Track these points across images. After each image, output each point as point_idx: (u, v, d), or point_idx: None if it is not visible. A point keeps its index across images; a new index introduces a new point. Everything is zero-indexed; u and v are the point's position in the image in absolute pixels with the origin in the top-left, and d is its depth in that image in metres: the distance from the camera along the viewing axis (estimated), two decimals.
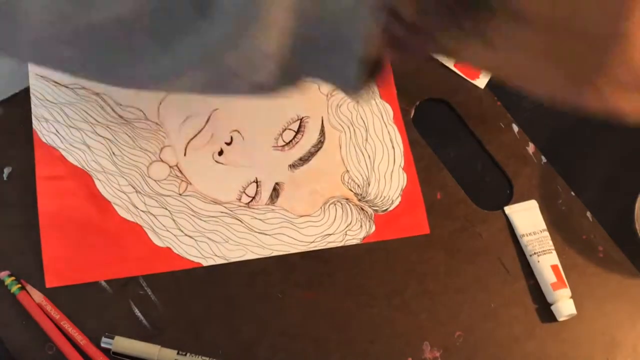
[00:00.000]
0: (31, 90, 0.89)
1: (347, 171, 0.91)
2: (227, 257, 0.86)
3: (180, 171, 0.89)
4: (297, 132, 0.92)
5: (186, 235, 0.86)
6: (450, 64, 0.98)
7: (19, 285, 0.81)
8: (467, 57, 0.59)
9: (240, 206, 0.88)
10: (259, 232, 0.88)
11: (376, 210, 0.90)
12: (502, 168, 0.94)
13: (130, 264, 0.85)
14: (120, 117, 0.90)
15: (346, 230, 0.89)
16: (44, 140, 0.88)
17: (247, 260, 0.86)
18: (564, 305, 0.87)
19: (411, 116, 0.95)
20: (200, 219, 0.87)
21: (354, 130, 0.93)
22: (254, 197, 0.89)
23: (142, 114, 0.90)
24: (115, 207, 0.87)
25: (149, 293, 0.84)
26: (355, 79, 0.60)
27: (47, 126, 0.88)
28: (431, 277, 0.88)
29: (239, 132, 0.91)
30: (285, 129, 0.92)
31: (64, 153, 0.88)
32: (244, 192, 0.89)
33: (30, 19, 0.62)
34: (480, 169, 0.95)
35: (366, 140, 0.93)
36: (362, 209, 0.90)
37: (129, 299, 0.83)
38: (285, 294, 0.86)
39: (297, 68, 0.62)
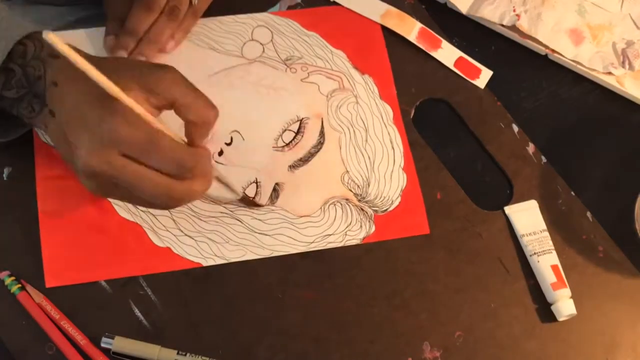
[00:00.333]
0: None
1: (347, 172, 0.91)
2: (227, 258, 0.86)
3: None
4: (297, 133, 0.92)
5: (186, 235, 0.86)
6: (450, 64, 0.98)
7: (19, 285, 0.81)
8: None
9: (241, 206, 0.88)
10: (258, 233, 0.88)
11: (376, 211, 0.90)
12: (502, 168, 0.94)
13: (130, 263, 0.85)
14: None
15: (346, 230, 0.89)
16: (44, 140, 0.88)
17: (247, 261, 0.86)
18: (564, 305, 0.87)
19: (411, 116, 0.95)
20: (200, 219, 0.87)
21: (354, 131, 0.93)
22: (254, 198, 0.89)
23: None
24: (115, 207, 0.87)
25: (149, 293, 0.84)
26: None
27: None
28: (431, 277, 0.88)
29: (239, 132, 0.91)
30: (285, 130, 0.92)
31: None
32: (244, 192, 0.89)
33: None
34: (480, 169, 0.95)
35: (366, 140, 0.93)
36: (362, 210, 0.90)
37: (129, 299, 0.83)
38: (285, 294, 0.86)
39: None
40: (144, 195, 0.74)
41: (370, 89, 0.96)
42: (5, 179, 0.86)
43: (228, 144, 0.91)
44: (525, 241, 0.90)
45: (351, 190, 0.91)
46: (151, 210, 0.87)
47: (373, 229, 0.89)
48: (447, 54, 0.98)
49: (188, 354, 0.81)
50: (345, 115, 0.94)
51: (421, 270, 0.88)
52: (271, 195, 0.89)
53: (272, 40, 0.96)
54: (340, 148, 0.92)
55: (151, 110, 0.74)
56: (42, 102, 0.75)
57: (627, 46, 1.00)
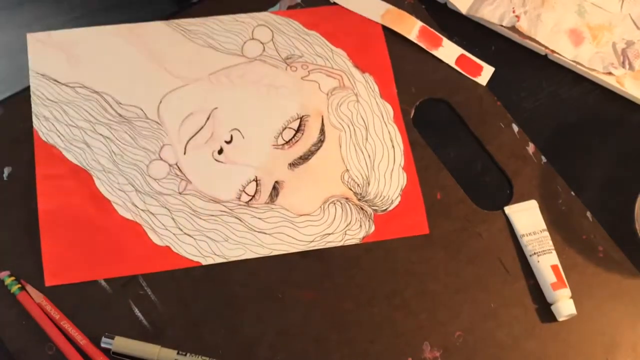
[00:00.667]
0: (32, 89, 0.89)
1: (347, 170, 0.91)
2: (226, 256, 0.86)
3: (180, 170, 0.89)
4: (297, 131, 0.92)
5: (185, 234, 0.86)
6: (451, 61, 0.98)
7: (19, 285, 0.81)
8: None
9: (240, 205, 0.88)
10: (258, 231, 0.88)
11: (376, 210, 0.90)
12: (502, 168, 0.94)
13: (130, 262, 0.85)
14: (120, 115, 0.90)
15: (346, 229, 0.89)
16: (44, 139, 0.88)
17: (247, 260, 0.86)
18: (564, 305, 0.87)
19: (411, 116, 0.95)
20: (200, 218, 0.87)
21: (354, 129, 0.93)
22: (253, 196, 0.89)
23: (142, 113, 0.90)
24: (115, 205, 0.87)
25: (149, 293, 0.84)
26: None
27: (47, 125, 0.88)
28: (431, 277, 0.88)
29: (238, 130, 0.91)
30: (285, 128, 0.92)
31: (64, 152, 0.88)
32: (244, 190, 0.89)
33: None
34: (480, 169, 0.95)
35: (366, 139, 0.93)
36: (362, 209, 0.90)
37: (129, 299, 0.83)
38: (285, 293, 0.86)
39: None
40: None
41: (370, 87, 0.96)
42: (5, 179, 0.86)
43: (228, 142, 0.91)
44: (525, 241, 0.90)
45: (351, 189, 0.91)
46: (151, 209, 0.87)
47: (373, 228, 0.89)
48: (448, 51, 0.98)
49: (188, 354, 0.81)
50: (346, 114, 0.94)
51: (421, 270, 0.88)
52: (271, 193, 0.89)
53: (272, 39, 0.96)
54: (341, 146, 0.92)
55: None
56: None
57: (627, 46, 1.00)
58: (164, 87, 0.92)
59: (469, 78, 0.98)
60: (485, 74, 0.98)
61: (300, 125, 0.92)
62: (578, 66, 0.99)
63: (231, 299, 0.85)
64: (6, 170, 0.86)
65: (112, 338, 0.80)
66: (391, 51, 0.98)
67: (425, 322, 0.86)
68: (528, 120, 0.97)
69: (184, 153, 0.89)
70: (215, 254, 0.86)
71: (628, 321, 0.89)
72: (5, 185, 0.86)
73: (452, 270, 0.89)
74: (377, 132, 0.94)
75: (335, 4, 0.99)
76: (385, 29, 0.99)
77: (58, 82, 0.90)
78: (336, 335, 0.85)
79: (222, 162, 0.90)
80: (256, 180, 0.89)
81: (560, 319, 0.88)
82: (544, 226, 0.91)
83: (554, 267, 0.89)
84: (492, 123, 0.96)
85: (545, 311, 0.88)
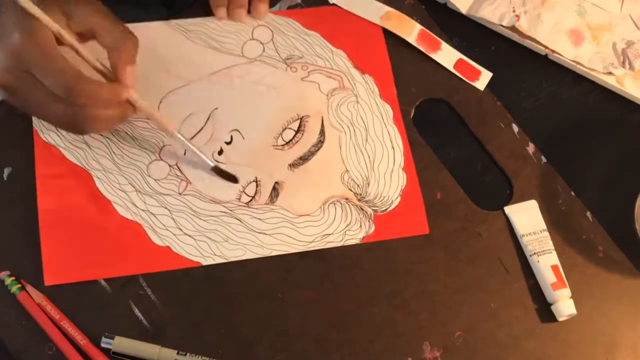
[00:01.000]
0: None
1: (347, 171, 0.91)
2: (226, 257, 0.86)
3: (180, 170, 0.89)
4: (297, 131, 0.92)
5: (186, 234, 0.86)
6: (449, 65, 0.98)
7: (19, 285, 0.81)
8: None
9: (240, 205, 0.88)
10: (258, 232, 0.87)
11: (376, 210, 0.90)
12: (502, 168, 0.94)
13: (130, 262, 0.85)
14: None
15: (346, 230, 0.89)
16: (44, 138, 0.88)
17: (247, 260, 0.86)
18: (564, 305, 0.87)
19: (411, 116, 0.95)
20: (200, 218, 0.87)
21: (354, 130, 0.93)
22: (253, 197, 0.89)
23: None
24: (115, 205, 0.87)
25: (149, 293, 0.84)
26: None
27: (47, 125, 0.88)
28: (431, 277, 0.88)
29: (238, 131, 0.91)
30: (285, 128, 0.92)
31: (64, 151, 0.88)
32: (244, 191, 0.89)
33: None
34: (480, 169, 0.95)
35: (366, 140, 0.93)
36: (362, 209, 0.90)
37: (129, 299, 0.83)
38: (285, 294, 0.86)
39: None
40: (41, 116, 0.83)
41: (370, 88, 0.96)
42: (5, 179, 0.86)
43: (228, 143, 0.91)
44: (525, 241, 0.90)
45: (351, 190, 0.91)
46: (151, 209, 0.87)
47: (373, 228, 0.89)
48: (447, 55, 0.98)
49: (188, 354, 0.81)
50: (346, 114, 0.94)
51: (421, 270, 0.88)
52: (271, 194, 0.89)
53: (272, 40, 0.96)
54: (341, 147, 0.92)
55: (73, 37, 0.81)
56: None
57: (627, 46, 1.00)
58: (164, 88, 0.92)
59: None
60: (483, 78, 0.98)
61: (300, 126, 0.92)
62: (578, 66, 0.99)
63: (231, 299, 0.85)
64: (6, 170, 0.86)
65: (112, 338, 0.80)
66: (391, 51, 0.98)
67: (425, 322, 0.86)
68: (528, 120, 0.97)
69: (184, 153, 0.89)
70: (215, 255, 0.86)
71: (628, 321, 0.89)
72: (5, 185, 0.86)
73: (452, 270, 0.89)
74: (377, 133, 0.93)
75: (334, 5, 0.99)
76: (385, 30, 0.99)
77: None
78: (336, 335, 0.85)
79: (222, 162, 0.90)
80: (256, 181, 0.89)
81: (560, 319, 0.88)
82: (544, 226, 0.91)
83: (554, 267, 0.89)
84: (492, 123, 0.96)
85: (545, 311, 0.88)
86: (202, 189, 0.88)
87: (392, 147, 0.93)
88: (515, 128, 0.96)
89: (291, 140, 0.92)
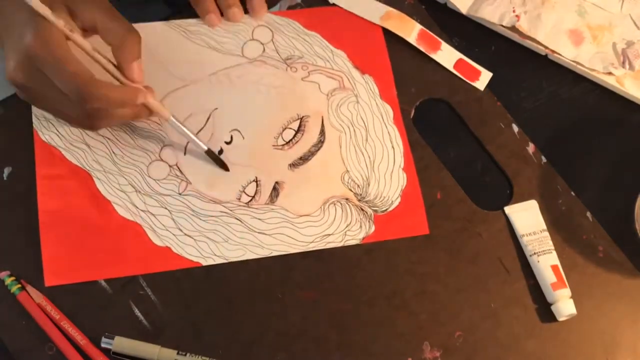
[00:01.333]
0: None
1: (347, 171, 0.91)
2: (226, 257, 0.86)
3: (180, 170, 0.89)
4: (297, 131, 0.92)
5: (186, 234, 0.86)
6: (449, 65, 0.98)
7: (19, 286, 0.81)
8: None
9: (240, 206, 0.88)
10: (258, 232, 0.87)
11: (376, 211, 0.90)
12: (502, 168, 0.94)
13: (130, 263, 0.85)
14: None
15: (346, 230, 0.89)
16: (44, 139, 0.88)
17: (247, 260, 0.86)
18: (564, 305, 0.87)
19: (411, 116, 0.95)
20: (200, 219, 0.87)
21: (354, 130, 0.93)
22: (253, 197, 0.89)
23: None
24: (115, 206, 0.87)
25: (149, 293, 0.84)
26: None
27: (47, 125, 0.88)
28: (431, 277, 0.88)
29: (239, 131, 0.91)
30: (285, 128, 0.92)
31: (64, 152, 0.88)
32: (244, 191, 0.89)
33: None
34: (480, 169, 0.95)
35: (366, 140, 0.93)
36: (362, 209, 0.90)
37: (129, 299, 0.83)
38: (285, 294, 0.86)
39: None
40: (52, 112, 0.85)
41: (370, 89, 0.96)
42: (5, 179, 0.86)
43: (228, 143, 0.91)
44: (525, 241, 0.90)
45: (351, 190, 0.91)
46: (151, 209, 0.87)
47: (373, 229, 0.89)
48: (447, 55, 0.98)
49: (188, 354, 0.81)
50: (346, 114, 0.94)
51: (421, 270, 0.88)
52: (271, 194, 0.89)
53: (272, 40, 0.96)
54: (341, 147, 0.92)
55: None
56: None
57: (627, 46, 1.00)
58: (164, 88, 0.92)
59: None
60: (483, 78, 0.98)
61: (300, 126, 0.92)
62: (578, 66, 0.99)
63: (231, 299, 0.85)
64: (6, 170, 0.86)
65: (112, 338, 0.80)
66: (391, 51, 0.98)
67: (425, 322, 0.86)
68: (528, 120, 0.97)
69: (184, 154, 0.89)
70: (216, 255, 0.86)
71: (628, 321, 0.89)
72: (5, 185, 0.86)
73: (452, 270, 0.89)
74: (377, 133, 0.93)
75: (334, 5, 0.99)
76: (385, 30, 0.99)
77: None
78: (336, 335, 0.85)
79: None
80: (256, 181, 0.89)
81: (560, 319, 0.88)
82: (544, 226, 0.91)
83: (554, 267, 0.89)
84: (492, 123, 0.96)
85: (545, 311, 0.88)
86: (202, 189, 0.88)
87: (392, 147, 0.93)
88: (515, 128, 0.96)
89: (291, 140, 0.92)
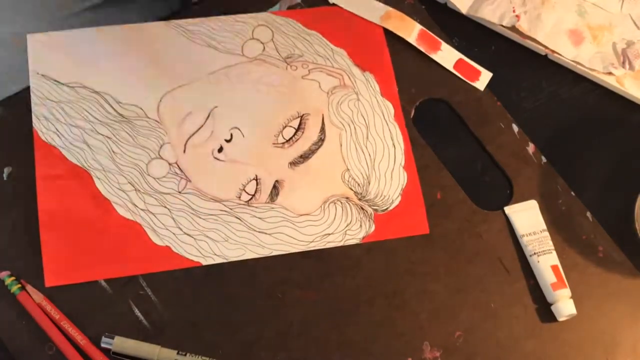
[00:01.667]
0: (31, 89, 0.89)
1: (348, 169, 0.91)
2: (226, 256, 0.86)
3: (180, 168, 0.89)
4: (297, 130, 0.92)
5: (185, 234, 0.86)
6: (449, 66, 0.98)
7: (19, 286, 0.81)
8: None
9: (240, 204, 0.88)
10: (258, 231, 0.88)
11: (376, 210, 0.90)
12: (502, 168, 0.94)
13: (130, 263, 0.85)
14: (120, 115, 0.90)
15: (346, 229, 0.89)
16: (43, 139, 0.88)
17: (247, 260, 0.86)
18: (564, 305, 0.87)
19: (411, 116, 0.95)
20: (200, 217, 0.87)
21: (355, 128, 0.93)
22: (253, 195, 0.89)
23: (141, 112, 0.90)
24: (115, 205, 0.87)
25: (149, 293, 0.84)
26: None
27: (47, 125, 0.88)
28: (431, 277, 0.88)
29: (238, 129, 0.91)
30: (285, 126, 0.92)
31: (63, 152, 0.88)
32: (244, 189, 0.89)
33: None
34: (480, 169, 0.95)
35: (367, 138, 0.93)
36: (362, 208, 0.90)
37: (129, 299, 0.83)
38: (285, 293, 0.86)
39: None
40: None
41: (371, 86, 0.95)
42: (5, 179, 0.86)
43: (228, 141, 0.91)
44: (525, 241, 0.90)
45: (351, 189, 0.91)
46: (151, 208, 0.87)
47: (373, 228, 0.89)
48: (447, 56, 0.98)
49: (188, 354, 0.81)
50: (346, 112, 0.94)
51: (421, 270, 0.88)
52: (271, 192, 0.89)
53: (272, 39, 0.96)
54: (341, 145, 0.92)
55: None
56: None
57: (627, 46, 1.00)
58: (163, 86, 0.92)
59: None
60: (483, 79, 0.98)
61: (300, 124, 0.92)
62: (578, 66, 0.99)
63: (231, 299, 0.85)
64: (6, 170, 0.86)
65: (112, 338, 0.80)
66: (391, 51, 0.98)
67: (425, 322, 0.86)
68: (528, 120, 0.97)
69: (184, 152, 0.89)
70: (215, 254, 0.86)
71: (628, 321, 0.89)
72: (5, 185, 0.86)
73: (452, 270, 0.89)
74: (378, 131, 0.93)
75: (335, 5, 0.99)
76: (386, 29, 0.98)
77: (58, 82, 0.90)
78: (336, 335, 0.85)
79: (222, 160, 0.90)
80: (256, 179, 0.89)
81: (560, 319, 0.88)
82: (544, 226, 0.91)
83: (554, 267, 0.89)
84: (492, 123, 0.96)
85: (545, 311, 0.88)
86: (202, 187, 0.88)
87: (393, 145, 0.93)
88: (515, 128, 0.96)
89: (291, 138, 0.92)
